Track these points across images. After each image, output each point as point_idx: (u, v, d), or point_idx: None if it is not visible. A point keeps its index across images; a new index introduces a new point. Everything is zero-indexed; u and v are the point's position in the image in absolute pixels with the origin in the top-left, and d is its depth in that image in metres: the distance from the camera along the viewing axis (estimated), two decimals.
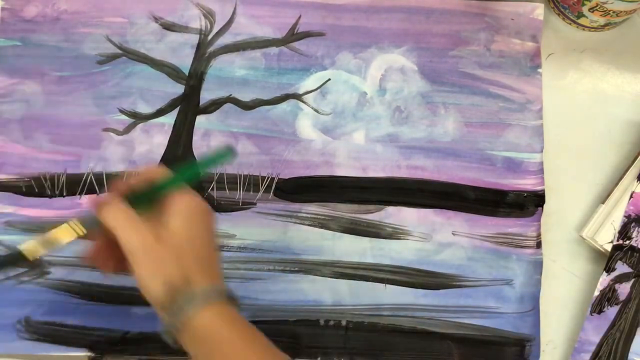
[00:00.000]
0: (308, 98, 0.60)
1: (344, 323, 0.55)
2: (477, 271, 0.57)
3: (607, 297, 0.55)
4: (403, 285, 0.57)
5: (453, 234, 0.58)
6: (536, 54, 0.61)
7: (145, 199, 0.43)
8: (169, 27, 0.61)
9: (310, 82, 0.61)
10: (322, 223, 0.58)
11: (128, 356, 0.55)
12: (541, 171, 0.59)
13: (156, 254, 0.41)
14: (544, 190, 0.59)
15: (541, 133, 0.60)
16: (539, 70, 0.61)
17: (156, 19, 0.61)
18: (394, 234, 0.58)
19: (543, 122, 0.60)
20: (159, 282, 0.40)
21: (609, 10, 0.59)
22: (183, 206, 0.43)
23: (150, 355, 0.55)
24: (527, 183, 0.59)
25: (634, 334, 0.55)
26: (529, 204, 0.58)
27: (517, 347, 0.56)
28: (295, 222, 0.57)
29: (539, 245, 0.58)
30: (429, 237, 0.58)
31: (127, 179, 0.46)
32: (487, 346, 0.56)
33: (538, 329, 0.56)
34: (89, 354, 0.55)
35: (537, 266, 0.57)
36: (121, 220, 0.41)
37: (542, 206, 0.58)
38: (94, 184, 0.58)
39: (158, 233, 0.41)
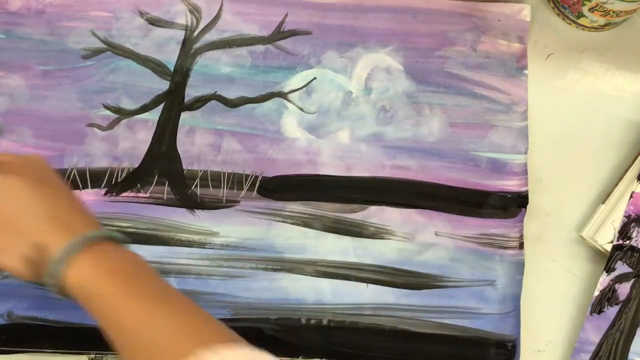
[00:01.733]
0: (293, 96, 0.60)
1: (325, 322, 0.55)
2: (460, 272, 0.57)
3: (607, 297, 0.55)
4: (385, 285, 0.57)
5: (436, 234, 0.58)
6: (522, 55, 0.61)
7: None
8: (154, 22, 0.61)
9: (295, 80, 0.60)
10: (305, 222, 0.58)
11: None
12: (525, 172, 0.59)
13: None
14: (527, 192, 0.59)
15: (526, 134, 0.60)
16: (525, 71, 0.61)
17: (142, 14, 0.61)
18: (377, 234, 0.58)
19: (542, 123, 0.61)
20: (13, 259, 0.40)
21: (609, 10, 0.59)
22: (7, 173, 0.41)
23: None
24: (511, 184, 0.59)
25: (634, 334, 0.55)
26: (513, 205, 0.59)
27: (499, 347, 0.56)
28: (278, 221, 0.57)
29: (521, 246, 0.58)
30: (411, 237, 0.58)
31: None
32: (468, 346, 0.56)
33: (519, 330, 0.56)
34: (89, 354, 0.55)
35: (519, 267, 0.57)
36: None
37: (525, 207, 0.59)
38: (77, 179, 0.58)
39: None
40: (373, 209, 0.58)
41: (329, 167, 0.59)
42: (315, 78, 0.61)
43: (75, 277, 0.39)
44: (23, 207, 0.41)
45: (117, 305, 0.39)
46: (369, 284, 0.57)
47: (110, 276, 0.39)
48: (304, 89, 0.60)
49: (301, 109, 0.60)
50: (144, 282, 0.41)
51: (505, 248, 0.58)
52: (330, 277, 0.57)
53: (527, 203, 0.59)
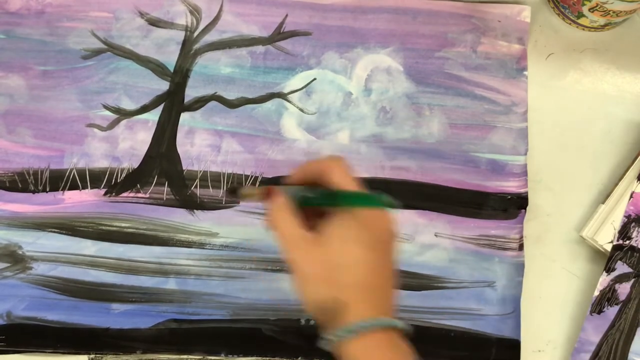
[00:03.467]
0: (293, 97, 0.60)
1: None
2: (459, 273, 0.57)
3: (607, 297, 0.55)
4: None
5: (436, 235, 0.58)
6: (522, 57, 0.61)
7: (319, 201, 0.42)
8: (154, 22, 0.61)
9: (295, 81, 0.60)
10: None
11: (128, 356, 0.55)
12: (525, 173, 0.59)
13: (309, 261, 0.40)
14: (527, 193, 0.59)
15: (526, 135, 0.60)
16: (525, 73, 0.61)
17: (142, 15, 0.61)
18: None
19: (542, 123, 0.61)
20: (310, 297, 0.40)
21: (609, 10, 0.59)
22: (352, 221, 0.40)
23: (130, 352, 0.55)
24: (510, 185, 0.59)
25: (634, 334, 0.55)
26: (512, 206, 0.59)
27: (499, 349, 0.56)
28: None
29: (521, 247, 0.58)
30: (411, 238, 0.58)
31: (309, 167, 0.44)
32: (468, 348, 0.56)
33: (519, 331, 0.56)
34: (88, 354, 0.55)
35: (519, 268, 0.57)
36: (282, 221, 0.40)
37: (525, 208, 0.59)
38: (77, 179, 0.58)
39: (321, 248, 0.40)
40: None
41: None
42: (315, 79, 0.60)
43: (357, 349, 0.39)
44: (356, 265, 0.40)
45: None
46: None
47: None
48: (304, 89, 0.60)
49: (301, 110, 0.60)
50: None
51: (505, 249, 0.58)
52: None
53: (526, 204, 0.59)
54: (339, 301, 0.39)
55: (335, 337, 0.39)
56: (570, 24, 0.64)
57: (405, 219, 0.58)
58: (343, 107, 0.60)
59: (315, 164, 0.43)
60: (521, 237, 0.58)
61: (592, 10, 0.60)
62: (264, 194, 0.42)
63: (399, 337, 0.40)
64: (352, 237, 0.40)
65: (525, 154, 0.60)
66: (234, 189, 0.44)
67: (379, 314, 0.39)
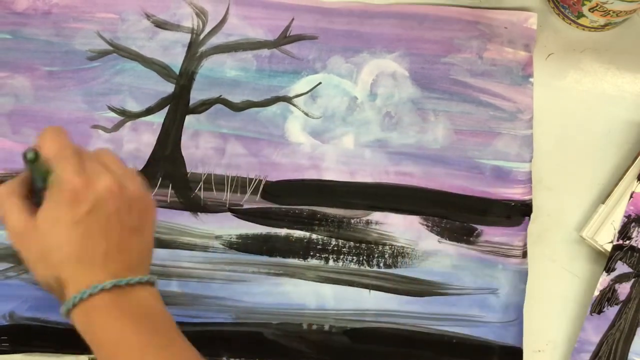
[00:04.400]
0: (298, 101, 0.60)
1: (326, 327, 0.55)
2: (462, 279, 0.57)
3: (607, 297, 0.55)
4: (387, 292, 0.57)
5: (439, 241, 0.58)
6: (528, 64, 0.61)
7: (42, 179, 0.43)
8: (160, 25, 0.61)
9: (301, 85, 0.60)
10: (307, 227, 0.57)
11: None
12: (529, 181, 0.59)
13: (28, 247, 0.43)
14: (531, 200, 0.59)
15: (531, 143, 0.60)
16: (531, 79, 0.61)
17: (148, 17, 0.61)
18: (380, 240, 0.58)
19: (542, 123, 0.60)
20: (38, 279, 0.43)
21: (609, 10, 0.59)
22: (54, 193, 0.42)
23: None
24: (515, 192, 0.59)
25: (634, 334, 0.55)
26: (516, 213, 0.58)
27: (501, 356, 0.56)
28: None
29: (524, 254, 0.58)
30: (414, 243, 0.58)
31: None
32: (470, 355, 0.56)
33: (521, 339, 0.56)
34: (89, 354, 0.55)
35: (523, 276, 0.57)
36: (5, 205, 0.43)
37: (529, 216, 0.58)
38: None
39: (36, 232, 0.42)
40: (376, 215, 0.58)
41: (333, 172, 0.59)
42: (320, 83, 0.60)
43: (77, 321, 0.42)
44: (60, 240, 0.42)
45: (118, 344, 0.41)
46: (371, 290, 0.57)
47: (122, 324, 0.41)
48: (309, 93, 0.60)
49: (306, 114, 0.60)
50: (154, 330, 0.42)
51: (508, 256, 0.58)
52: (332, 283, 0.56)
53: (531, 212, 0.58)
54: (59, 279, 0.41)
55: (63, 313, 0.42)
56: (570, 24, 0.64)
57: (409, 225, 0.58)
58: (348, 112, 0.60)
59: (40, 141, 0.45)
60: (525, 245, 0.58)
61: (592, 10, 0.60)
62: None
63: (141, 292, 0.43)
64: (55, 216, 0.42)
65: (530, 160, 0.59)
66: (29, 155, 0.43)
67: (104, 279, 0.41)
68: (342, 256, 0.57)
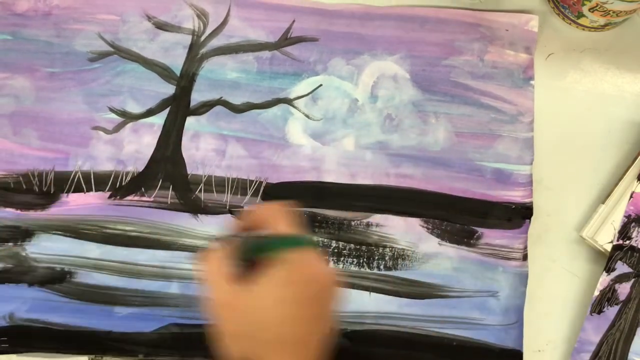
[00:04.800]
0: (299, 103, 0.60)
1: None
2: (463, 282, 0.57)
3: (607, 297, 0.55)
4: (388, 294, 0.57)
5: (439, 243, 0.58)
6: (529, 66, 0.61)
7: (254, 251, 0.41)
8: (161, 26, 0.61)
9: (301, 87, 0.60)
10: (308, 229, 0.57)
11: (129, 357, 0.55)
12: (530, 183, 0.59)
13: (231, 320, 0.40)
14: (532, 203, 0.59)
15: (532, 145, 0.60)
16: (532, 82, 0.61)
17: (149, 18, 0.61)
18: (380, 242, 0.57)
19: (542, 123, 0.60)
20: (231, 352, 0.40)
21: (609, 10, 0.59)
22: (280, 274, 0.39)
23: (131, 356, 0.55)
24: (515, 195, 0.59)
25: (634, 334, 0.55)
26: (517, 216, 0.58)
27: (500, 359, 0.56)
28: None
29: (525, 257, 0.58)
30: (415, 246, 0.58)
31: (248, 216, 0.44)
32: (470, 357, 0.56)
33: (522, 342, 0.56)
34: (89, 354, 0.55)
35: (523, 278, 0.57)
36: (213, 275, 0.40)
37: (529, 218, 0.58)
38: (82, 182, 0.58)
39: (245, 305, 0.39)
40: (377, 217, 0.58)
41: (334, 174, 0.59)
42: (321, 85, 0.60)
43: None
44: (277, 323, 0.39)
45: None
46: (371, 293, 0.57)
47: None
48: (310, 95, 0.60)
49: (307, 116, 0.60)
50: None
51: (508, 259, 0.58)
52: None
53: (531, 214, 0.58)
54: (258, 356, 0.39)
55: None
56: (570, 24, 0.63)
57: (409, 227, 0.58)
58: (349, 114, 0.60)
59: (258, 211, 0.43)
60: (525, 247, 0.58)
61: (592, 10, 0.60)
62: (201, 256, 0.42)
63: None
64: (276, 293, 0.39)
65: (531, 163, 0.59)
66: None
67: None
68: (342, 258, 0.57)
